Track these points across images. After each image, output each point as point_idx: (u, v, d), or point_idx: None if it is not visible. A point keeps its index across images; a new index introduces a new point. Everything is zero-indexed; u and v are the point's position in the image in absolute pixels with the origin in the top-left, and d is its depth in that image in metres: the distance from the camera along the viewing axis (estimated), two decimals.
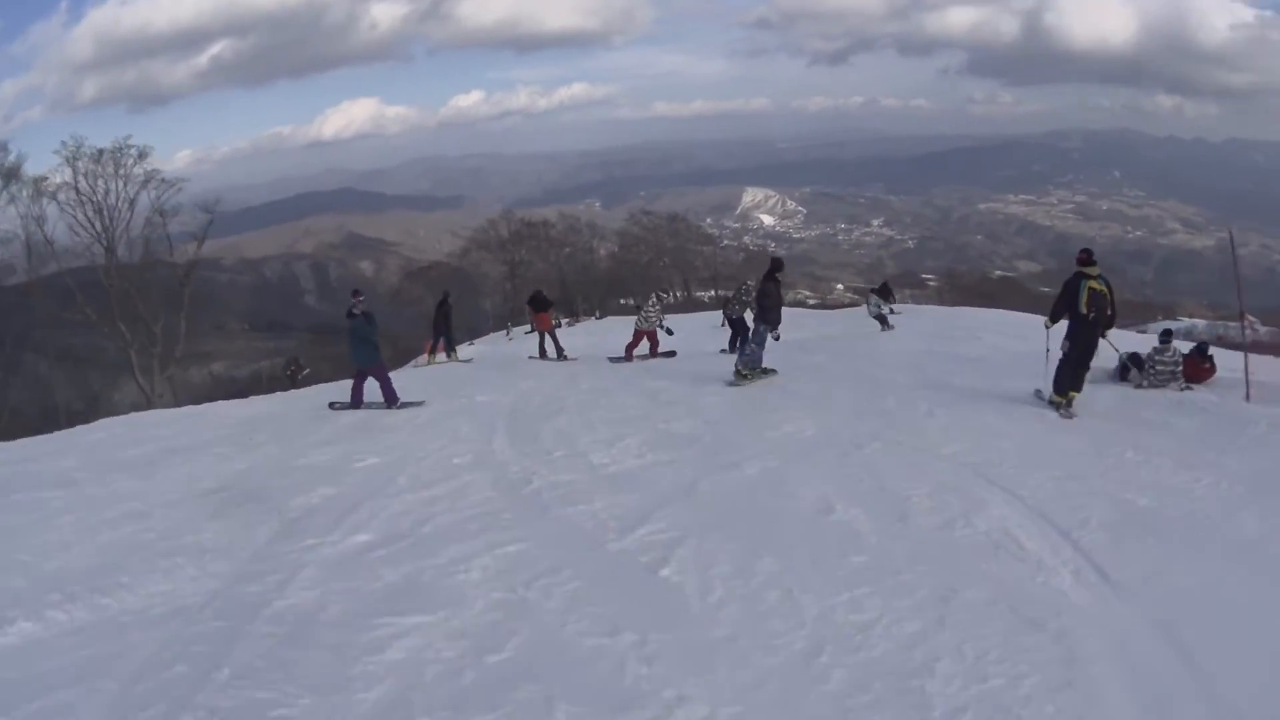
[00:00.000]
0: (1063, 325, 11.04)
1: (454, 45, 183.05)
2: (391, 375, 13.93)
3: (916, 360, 15.79)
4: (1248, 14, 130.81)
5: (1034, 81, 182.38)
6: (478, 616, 5.45)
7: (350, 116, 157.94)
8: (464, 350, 24.51)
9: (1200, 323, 67.11)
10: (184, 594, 6.00)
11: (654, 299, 18.69)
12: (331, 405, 13.78)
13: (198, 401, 24.86)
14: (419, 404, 13.41)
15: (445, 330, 22.58)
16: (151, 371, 38.74)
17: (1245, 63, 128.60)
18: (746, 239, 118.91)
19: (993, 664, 4.71)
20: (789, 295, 72.55)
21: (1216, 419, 10.23)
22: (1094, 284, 10.53)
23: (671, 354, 18.57)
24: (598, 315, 53.21)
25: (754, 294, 18.05)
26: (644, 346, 18.29)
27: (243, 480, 9.18)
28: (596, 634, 5.15)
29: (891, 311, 26.08)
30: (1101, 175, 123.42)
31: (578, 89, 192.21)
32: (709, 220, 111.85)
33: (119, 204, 39.81)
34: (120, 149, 39.74)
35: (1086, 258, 10.82)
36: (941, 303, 50.82)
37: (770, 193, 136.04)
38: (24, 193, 38.65)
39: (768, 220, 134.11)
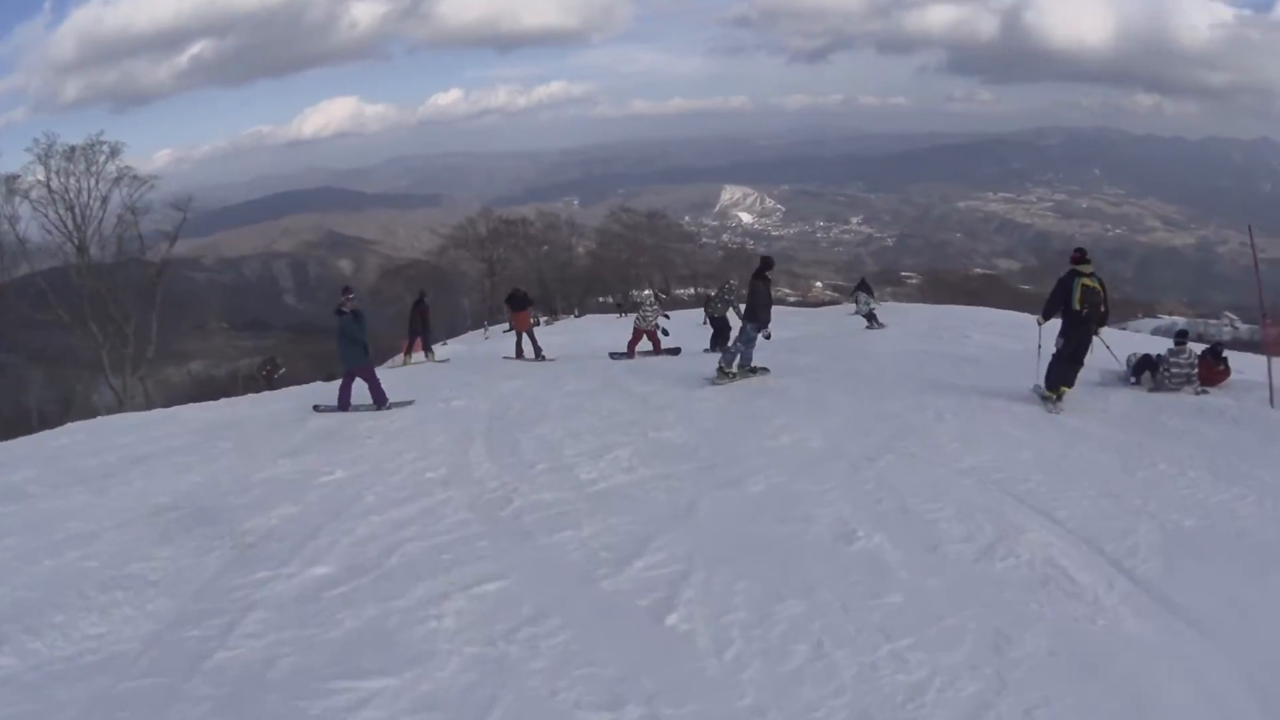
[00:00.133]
0: (1055, 323, 11.08)
1: (433, 44, 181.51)
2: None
3: (912, 361, 15.27)
4: (1227, 13, 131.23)
5: (1013, 80, 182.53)
6: (451, 679, 4.59)
7: (329, 115, 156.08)
8: (438, 350, 23.66)
9: (1180, 320, 67.21)
10: (120, 637, 5.27)
11: (652, 298, 18.74)
12: (316, 408, 13.17)
13: (177, 401, 24.46)
14: (409, 403, 12.95)
15: (422, 330, 21.93)
16: (124, 372, 37.88)
17: (1224, 62, 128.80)
18: (725, 237, 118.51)
19: None
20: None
21: (1244, 427, 9.69)
22: (1087, 281, 10.57)
23: (676, 351, 18.29)
24: (576, 314, 53.00)
25: (735, 293, 18.76)
26: (647, 344, 18.06)
27: (198, 496, 8.35)
28: (593, 705, 4.31)
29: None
30: (1081, 173, 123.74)
31: (556, 87, 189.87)
32: (687, 218, 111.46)
33: (91, 202, 39.00)
34: (92, 146, 38.96)
35: (1080, 256, 10.85)
36: (923, 300, 50.50)
37: (749, 190, 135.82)
38: None
39: (746, 218, 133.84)
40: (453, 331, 41.06)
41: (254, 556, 6.56)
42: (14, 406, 37.60)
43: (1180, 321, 60.70)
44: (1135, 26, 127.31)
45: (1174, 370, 11.51)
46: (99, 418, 15.70)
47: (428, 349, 22.01)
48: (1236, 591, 5.42)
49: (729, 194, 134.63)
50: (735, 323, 16.88)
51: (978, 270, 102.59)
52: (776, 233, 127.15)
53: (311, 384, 18.56)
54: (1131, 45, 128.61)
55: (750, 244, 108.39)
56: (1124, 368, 12.43)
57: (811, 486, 7.68)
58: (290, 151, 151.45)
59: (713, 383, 13.31)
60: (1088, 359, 11.19)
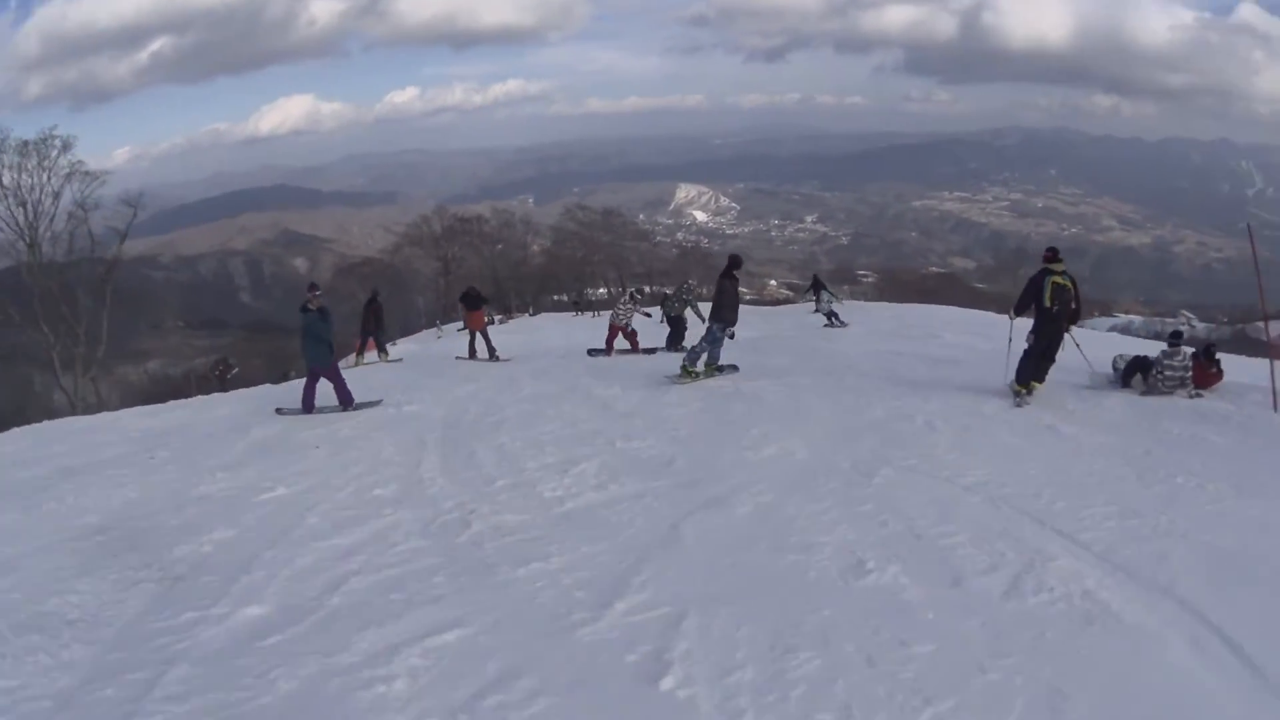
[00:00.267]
0: (1025, 322, 11.23)
1: (391, 41, 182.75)
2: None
3: (887, 362, 14.65)
4: (1187, 16, 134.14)
5: (971, 80, 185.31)
6: None
7: (286, 113, 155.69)
8: (391, 350, 22.82)
9: (1136, 319, 68.02)
10: (31, 693, 4.52)
11: (627, 296, 19.12)
12: (279, 411, 12.59)
13: (134, 401, 24.92)
14: (375, 403, 12.56)
15: (375, 329, 21.37)
16: (75, 372, 37.09)
17: (1184, 63, 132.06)
18: (680, 235, 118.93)
19: None
20: None
21: (1253, 434, 9.08)
22: (1058, 279, 10.64)
23: (653, 350, 18.05)
24: (531, 312, 52.61)
25: (693, 293, 18.81)
26: (624, 342, 18.10)
27: (130, 516, 7.57)
28: None
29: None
30: (1038, 173, 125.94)
31: (513, 85, 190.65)
32: (642, 216, 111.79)
33: (43, 198, 38.22)
34: (44, 140, 38.20)
35: (1052, 255, 10.95)
36: (881, 299, 50.43)
37: (704, 189, 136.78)
38: None
39: (701, 216, 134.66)
40: (407, 330, 40.42)
41: (182, 592, 5.72)
42: None
43: (1124, 320, 61.35)
44: (1094, 28, 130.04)
45: (1167, 373, 10.94)
46: (44, 423, 15.04)
47: (381, 349, 21.38)
48: None
49: (684, 192, 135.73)
50: (695, 322, 17.51)
51: (934, 269, 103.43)
52: (731, 231, 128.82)
53: (260, 387, 18.06)
54: (1090, 47, 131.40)
55: (705, 242, 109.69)
56: (1094, 368, 12.11)
57: (805, 507, 6.86)
58: (247, 149, 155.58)
59: (675, 381, 13.01)
60: (1061, 356, 11.18)
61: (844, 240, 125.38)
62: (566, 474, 8.05)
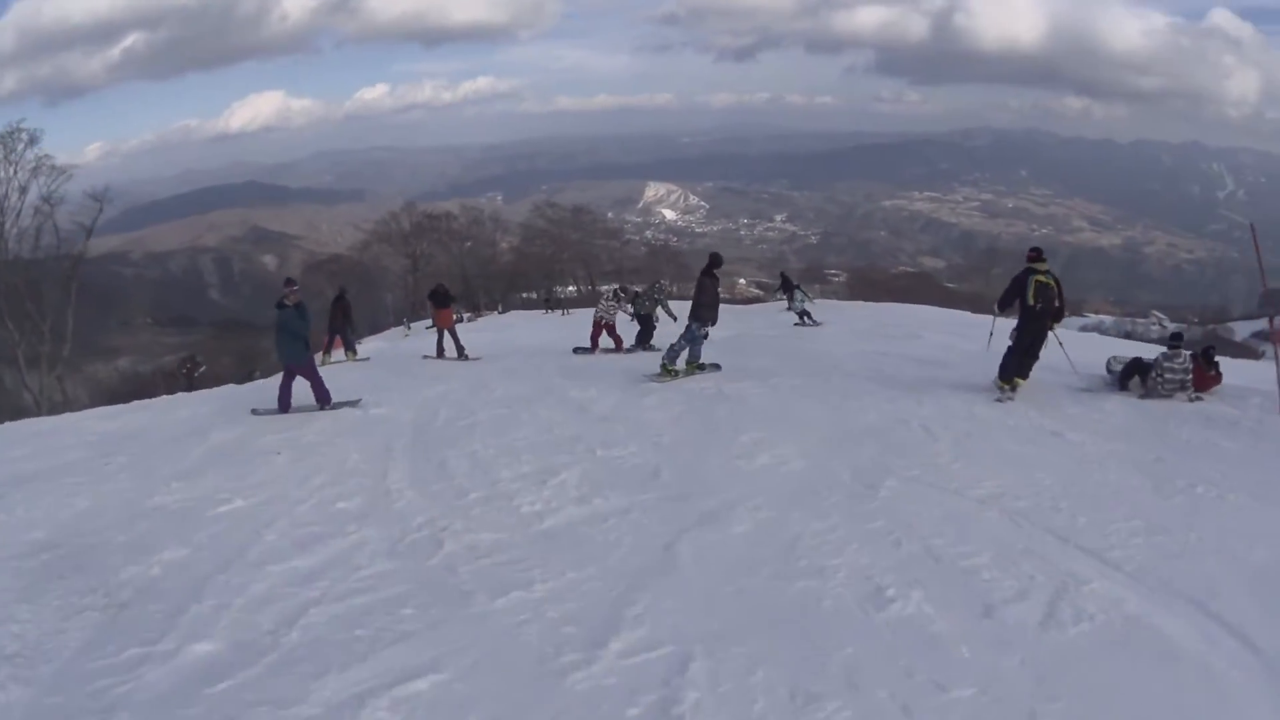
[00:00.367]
0: (1007, 323, 11.55)
1: (361, 38, 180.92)
2: (274, 381, 12.55)
3: (872, 363, 14.12)
4: (1159, 20, 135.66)
5: (942, 81, 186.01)
6: None
7: (256, 109, 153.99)
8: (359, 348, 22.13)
9: (1107, 319, 68.46)
10: None
11: (611, 293, 18.75)
12: (254, 411, 11.97)
13: (104, 399, 25.01)
14: (354, 403, 11.98)
15: (343, 327, 20.73)
16: (41, 371, 36.07)
17: (1155, 67, 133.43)
18: (649, 233, 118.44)
19: None
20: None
21: (1262, 439, 8.80)
22: (1040, 278, 10.71)
23: (633, 350, 17.58)
24: (500, 310, 52.02)
25: (664, 293, 18.46)
26: (608, 341, 17.86)
27: (79, 530, 6.90)
28: None
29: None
30: (1008, 174, 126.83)
31: (482, 83, 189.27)
32: (611, 214, 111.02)
33: (9, 192, 37.26)
34: (11, 133, 37.27)
35: (1036, 255, 11.04)
36: (852, 298, 50.28)
37: (673, 187, 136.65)
38: None
39: (670, 215, 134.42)
40: (375, 328, 39.76)
41: (127, 623, 5.08)
42: None
43: (1094, 320, 61.69)
44: (1066, 31, 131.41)
45: (1167, 375, 10.64)
46: (4, 425, 14.18)
47: (349, 347, 20.71)
48: None
49: (653, 190, 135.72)
50: (665, 321, 17.56)
51: (903, 268, 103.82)
52: (700, 229, 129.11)
53: (224, 387, 17.41)
54: (1062, 49, 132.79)
55: (674, 240, 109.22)
56: (1078, 369, 12.00)
57: (809, 524, 6.28)
58: (217, 145, 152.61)
59: (654, 380, 12.70)
60: (1046, 356, 11.25)
61: (813, 239, 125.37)
62: (545, 485, 7.44)
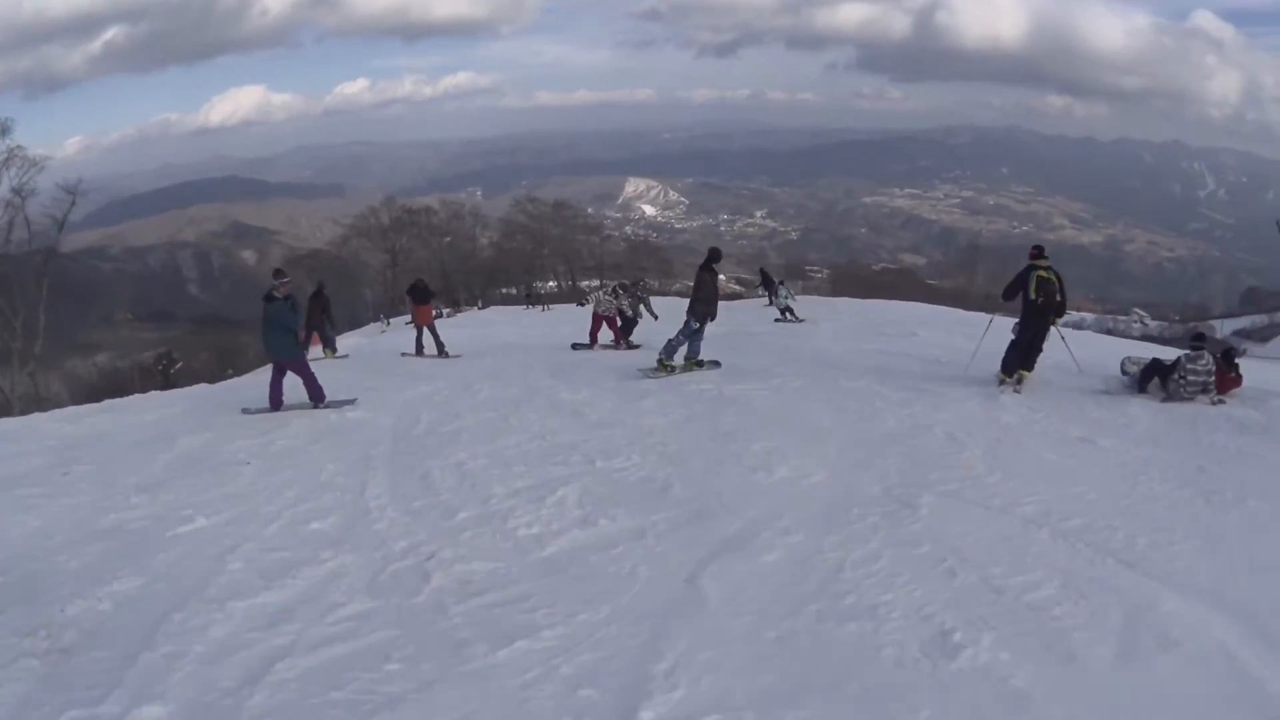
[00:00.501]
0: (1003, 321, 12.17)
1: (342, 32, 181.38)
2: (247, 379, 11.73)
3: (873, 362, 13.60)
4: (1141, 20, 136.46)
5: (923, 78, 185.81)
6: None
7: (237, 103, 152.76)
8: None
9: (1089, 316, 68.40)
10: None
11: (610, 289, 18.28)
12: (245, 411, 11.40)
13: (83, 394, 25.40)
14: (350, 402, 11.38)
15: (321, 324, 19.80)
16: (12, 368, 35.17)
17: (1137, 67, 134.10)
18: (628, 229, 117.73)
19: None
20: (677, 285, 72.31)
21: None
22: (1042, 273, 10.86)
23: (637, 347, 17.19)
24: (480, 305, 51.37)
25: (648, 290, 18.77)
26: (608, 336, 17.61)
27: (28, 553, 6.13)
28: None
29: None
30: (989, 171, 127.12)
31: (463, 78, 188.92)
32: (590, 210, 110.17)
33: None
34: None
35: (1038, 253, 11.19)
36: (835, 294, 49.95)
37: (653, 183, 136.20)
38: None
39: (649, 210, 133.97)
40: (355, 323, 38.92)
41: (70, 674, 4.32)
42: None
43: (1075, 318, 61.58)
44: (1049, 30, 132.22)
45: (1190, 378, 10.19)
46: None
47: (327, 344, 19.86)
48: None
49: (633, 186, 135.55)
50: (647, 319, 17.86)
51: (883, 265, 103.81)
52: (680, 225, 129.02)
53: (196, 387, 16.44)
54: (1045, 48, 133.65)
55: (654, 236, 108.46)
56: (1081, 367, 11.93)
57: (848, 549, 5.57)
58: (197, 140, 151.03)
59: (650, 375, 12.45)
60: (1051, 353, 11.44)
61: (793, 235, 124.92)
62: (543, 503, 6.68)
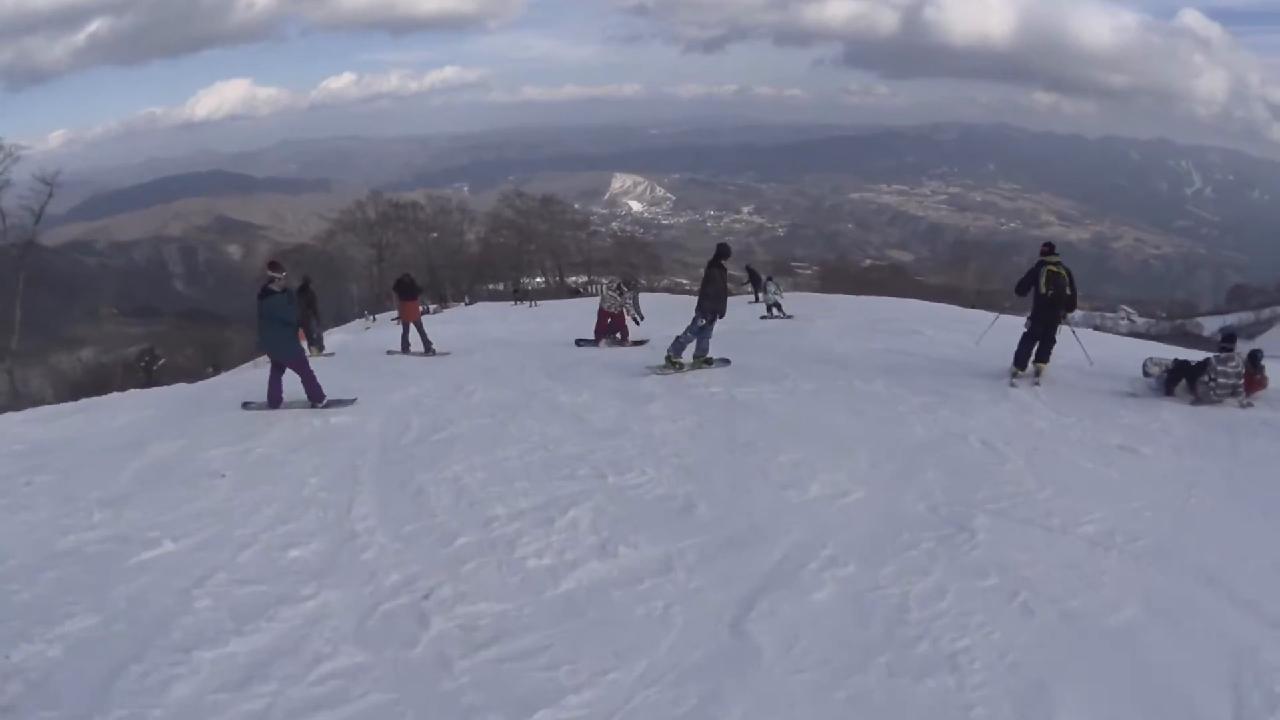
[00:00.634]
0: (1004, 319, 12.88)
1: (328, 26, 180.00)
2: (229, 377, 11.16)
3: (883, 362, 12.98)
4: (1129, 18, 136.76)
5: (911, 75, 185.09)
6: None
7: (222, 98, 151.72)
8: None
9: (1077, 313, 68.54)
10: None
11: (617, 285, 17.62)
12: (245, 406, 10.99)
13: (67, 391, 24.49)
14: (350, 401, 10.81)
15: (307, 320, 18.84)
16: None
17: (1125, 64, 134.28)
18: (615, 225, 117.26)
19: None
20: (665, 281, 72.06)
21: None
22: (1052, 268, 11.04)
23: (642, 342, 16.55)
24: (467, 301, 51.08)
25: (638, 289, 17.99)
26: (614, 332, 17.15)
27: None
28: None
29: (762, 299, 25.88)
30: (976, 168, 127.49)
31: (449, 72, 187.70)
32: (577, 205, 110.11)
33: None
34: None
35: (1048, 250, 11.43)
36: (825, 290, 49.66)
37: (639, 179, 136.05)
38: None
39: (636, 206, 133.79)
40: (341, 319, 38.39)
41: None
42: None
43: (1116, 317, 61.84)
44: (1037, 27, 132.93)
45: (1220, 380, 9.86)
46: None
47: (313, 341, 19.12)
48: None
49: (619, 182, 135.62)
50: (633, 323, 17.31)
51: (870, 261, 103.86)
52: (666, 221, 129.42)
53: (174, 386, 15.78)
54: (1033, 45, 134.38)
55: (640, 232, 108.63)
56: (1092, 362, 12.05)
57: (909, 582, 4.93)
58: (182, 134, 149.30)
59: (657, 372, 12.19)
60: (1067, 355, 11.69)
61: (780, 231, 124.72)
62: (552, 527, 5.96)
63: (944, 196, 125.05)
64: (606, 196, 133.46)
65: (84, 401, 13.46)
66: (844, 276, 69.75)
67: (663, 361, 12.45)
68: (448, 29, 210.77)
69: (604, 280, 16.38)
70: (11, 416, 12.39)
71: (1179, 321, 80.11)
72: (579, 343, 16.91)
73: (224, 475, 7.59)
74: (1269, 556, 5.34)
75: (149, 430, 9.78)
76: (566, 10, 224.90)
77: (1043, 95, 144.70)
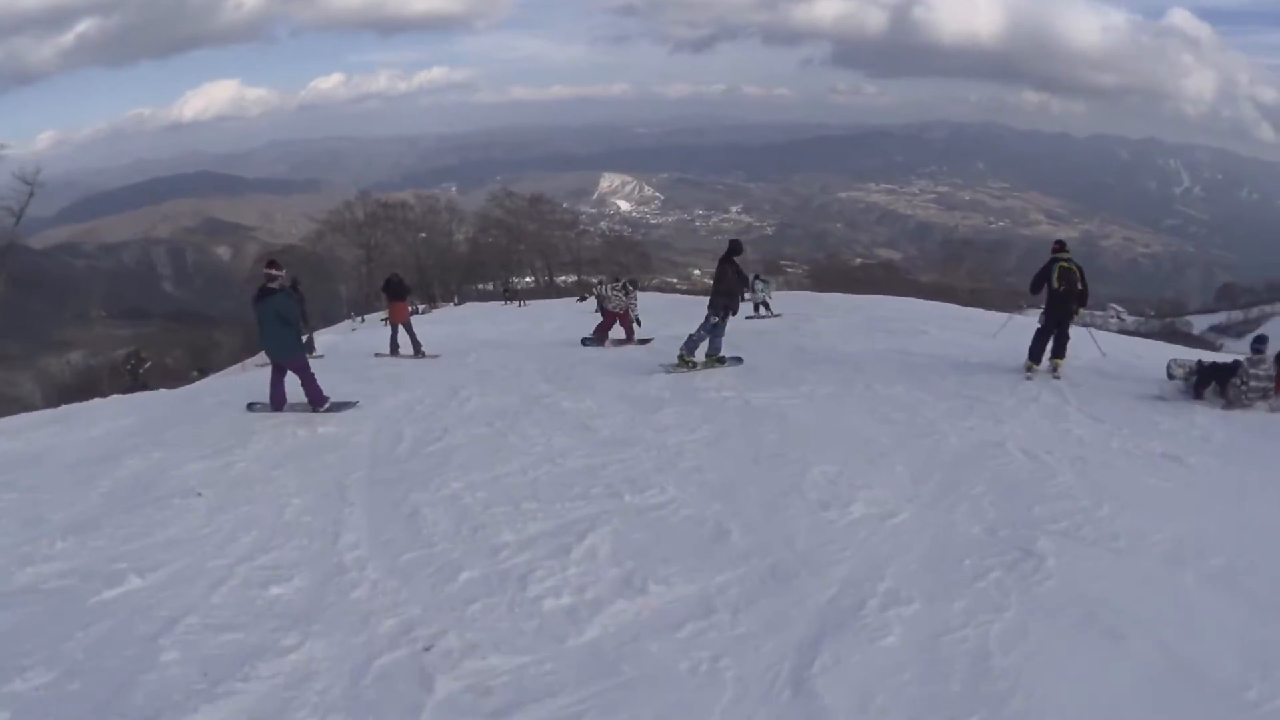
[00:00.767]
0: (1021, 320, 12.80)
1: (317, 26, 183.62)
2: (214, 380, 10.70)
3: (897, 363, 12.68)
4: (1118, 17, 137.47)
5: (899, 74, 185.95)
6: None
7: (211, 98, 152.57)
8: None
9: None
10: None
11: (621, 285, 17.95)
12: (250, 407, 10.87)
13: (55, 394, 24.98)
14: (352, 405, 10.53)
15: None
16: None
17: (1114, 64, 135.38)
18: (603, 224, 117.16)
19: None
20: (656, 280, 71.81)
21: None
22: (1063, 264, 11.38)
23: (648, 341, 16.78)
24: (456, 301, 50.82)
25: (635, 289, 18.51)
26: (618, 331, 17.11)
27: None
28: None
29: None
30: (965, 167, 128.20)
31: (437, 73, 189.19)
32: (565, 205, 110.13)
33: None
34: None
35: (1059, 247, 11.75)
36: (817, 289, 49.38)
37: (627, 178, 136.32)
38: None
39: (624, 206, 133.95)
40: (329, 320, 38.00)
41: None
42: None
43: (1105, 315, 61.81)
44: (1026, 26, 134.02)
45: (1252, 383, 9.62)
46: None
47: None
48: None
49: (607, 181, 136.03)
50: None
51: (859, 259, 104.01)
52: (655, 220, 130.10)
53: (156, 393, 15.67)
54: (1021, 45, 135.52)
55: (628, 231, 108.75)
56: (1105, 354, 12.63)
57: (986, 621, 4.30)
58: (170, 135, 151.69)
59: (669, 370, 12.15)
60: (1083, 355, 12.09)
61: (769, 231, 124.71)
62: (568, 557, 5.30)
63: (932, 195, 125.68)
64: (595, 196, 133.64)
65: (60, 410, 13.02)
66: (836, 275, 69.64)
67: (675, 360, 12.32)
68: (436, 29, 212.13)
69: (601, 278, 16.02)
70: None
71: (1168, 320, 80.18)
72: (585, 342, 16.72)
73: (200, 494, 6.96)
74: None
75: (125, 442, 9.23)
76: (554, 10, 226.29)
77: (1032, 94, 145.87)
